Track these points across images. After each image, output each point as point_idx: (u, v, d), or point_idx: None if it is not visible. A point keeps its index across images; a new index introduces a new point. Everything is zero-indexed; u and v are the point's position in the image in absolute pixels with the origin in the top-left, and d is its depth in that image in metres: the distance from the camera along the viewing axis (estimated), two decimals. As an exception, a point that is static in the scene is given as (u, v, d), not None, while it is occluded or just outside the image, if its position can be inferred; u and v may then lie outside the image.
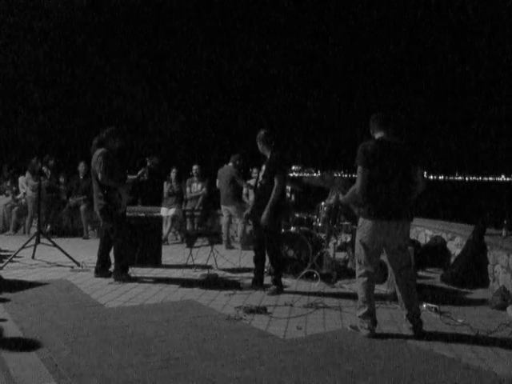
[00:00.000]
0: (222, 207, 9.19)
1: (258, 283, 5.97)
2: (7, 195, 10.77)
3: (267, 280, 5.98)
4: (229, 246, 9.18)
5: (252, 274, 6.06)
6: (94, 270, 6.42)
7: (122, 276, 6.15)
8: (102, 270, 6.36)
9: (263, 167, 5.96)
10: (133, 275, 6.25)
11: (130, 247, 6.50)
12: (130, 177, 6.44)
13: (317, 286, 6.16)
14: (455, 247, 7.44)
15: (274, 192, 5.70)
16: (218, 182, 9.30)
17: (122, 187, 6.17)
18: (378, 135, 4.43)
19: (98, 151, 6.13)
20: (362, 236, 4.34)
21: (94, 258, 6.45)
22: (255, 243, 6.07)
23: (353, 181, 4.57)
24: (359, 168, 4.29)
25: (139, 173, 6.50)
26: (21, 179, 10.63)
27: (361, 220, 4.39)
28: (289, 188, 9.48)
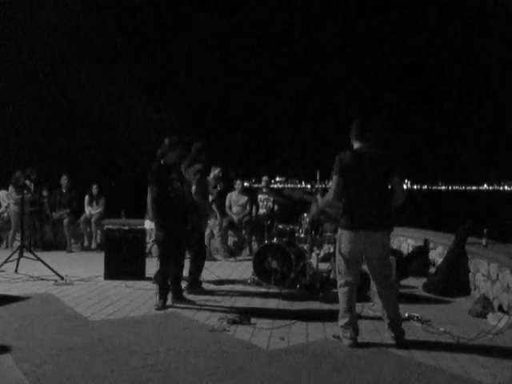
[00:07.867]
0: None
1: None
2: None
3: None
4: (211, 258, 9.19)
5: (236, 286, 6.01)
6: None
7: (196, 290, 6.36)
8: (194, 284, 6.45)
9: (173, 175, 5.69)
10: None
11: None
12: None
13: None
14: (437, 256, 7.54)
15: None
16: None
17: None
18: (355, 145, 4.49)
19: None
20: (341, 246, 4.39)
21: (78, 272, 6.43)
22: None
23: None
24: (334, 177, 4.35)
25: None
26: (2, 193, 10.53)
27: (339, 231, 4.45)
28: (272, 199, 9.58)
